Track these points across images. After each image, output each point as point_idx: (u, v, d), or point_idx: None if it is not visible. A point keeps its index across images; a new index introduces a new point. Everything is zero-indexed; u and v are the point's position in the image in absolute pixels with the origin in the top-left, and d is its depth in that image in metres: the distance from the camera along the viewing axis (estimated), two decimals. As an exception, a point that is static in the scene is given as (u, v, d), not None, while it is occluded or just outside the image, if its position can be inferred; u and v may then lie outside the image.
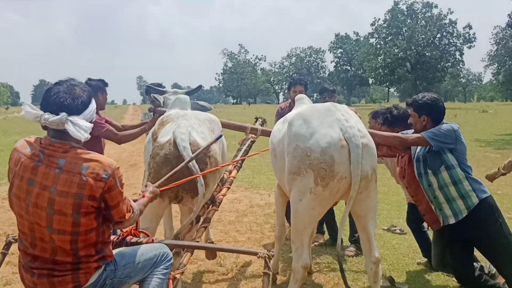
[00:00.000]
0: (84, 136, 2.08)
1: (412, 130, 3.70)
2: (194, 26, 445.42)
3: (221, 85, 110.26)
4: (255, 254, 2.58)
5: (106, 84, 4.46)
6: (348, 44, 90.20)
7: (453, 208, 3.43)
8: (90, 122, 2.18)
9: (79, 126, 2.07)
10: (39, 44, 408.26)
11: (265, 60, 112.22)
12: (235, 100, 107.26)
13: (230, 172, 3.91)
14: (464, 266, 3.52)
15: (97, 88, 4.31)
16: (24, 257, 2.19)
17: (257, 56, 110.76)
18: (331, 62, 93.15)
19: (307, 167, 2.98)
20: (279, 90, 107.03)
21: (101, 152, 4.32)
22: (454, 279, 3.97)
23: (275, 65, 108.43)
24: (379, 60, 68.05)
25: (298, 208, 3.13)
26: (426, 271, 4.40)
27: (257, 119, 5.22)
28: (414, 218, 4.49)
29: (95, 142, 4.16)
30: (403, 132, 3.79)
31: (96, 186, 2.05)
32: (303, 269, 3.22)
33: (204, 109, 4.44)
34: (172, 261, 2.59)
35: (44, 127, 2.13)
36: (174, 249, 2.85)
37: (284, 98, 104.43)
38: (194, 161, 3.24)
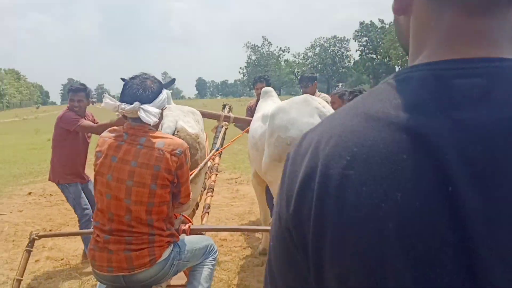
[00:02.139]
0: (152, 120, 2.32)
1: None
2: (217, 21, 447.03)
3: (245, 78, 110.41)
4: None
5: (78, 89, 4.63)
6: (373, 32, 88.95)
7: None
8: (163, 109, 2.47)
9: (149, 112, 2.32)
10: (65, 43, 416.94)
11: (288, 52, 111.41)
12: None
13: (214, 159, 4.22)
14: None
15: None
16: (101, 235, 2.33)
17: (280, 47, 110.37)
18: (356, 51, 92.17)
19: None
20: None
21: (80, 147, 4.54)
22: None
23: (299, 56, 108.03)
24: (406, 47, 66.90)
25: None
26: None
27: (224, 106, 5.54)
28: None
29: (73, 138, 4.43)
30: None
31: (171, 160, 2.31)
32: None
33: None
34: (217, 253, 2.79)
35: (124, 117, 2.44)
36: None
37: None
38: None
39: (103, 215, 2.35)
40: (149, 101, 2.36)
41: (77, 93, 4.56)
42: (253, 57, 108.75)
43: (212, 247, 2.73)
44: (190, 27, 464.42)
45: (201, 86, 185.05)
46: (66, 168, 4.43)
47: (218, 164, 4.26)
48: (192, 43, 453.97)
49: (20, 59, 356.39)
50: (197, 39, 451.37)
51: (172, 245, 2.43)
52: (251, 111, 5.80)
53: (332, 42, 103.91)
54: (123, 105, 2.32)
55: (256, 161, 4.09)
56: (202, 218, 3.47)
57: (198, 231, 2.82)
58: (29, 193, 8.11)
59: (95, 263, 2.34)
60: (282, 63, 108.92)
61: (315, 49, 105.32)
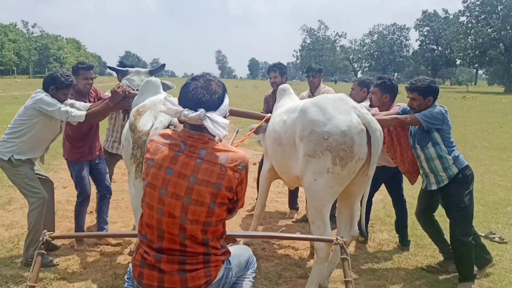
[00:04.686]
0: (222, 133, 2.12)
1: (402, 106, 4.20)
2: (276, 2, 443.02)
3: (298, 61, 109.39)
4: (330, 241, 2.56)
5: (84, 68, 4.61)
6: (436, 22, 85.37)
7: (437, 178, 3.92)
8: (224, 117, 2.19)
9: (218, 123, 2.10)
10: (125, 16, 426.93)
11: (345, 37, 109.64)
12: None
13: None
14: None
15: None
16: (150, 252, 2.12)
17: (337, 33, 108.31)
18: (416, 41, 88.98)
19: (324, 149, 3.24)
20: (358, 68, 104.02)
21: (88, 127, 4.50)
22: None
23: (355, 42, 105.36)
24: (469, 40, 63.94)
25: (314, 188, 3.36)
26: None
27: None
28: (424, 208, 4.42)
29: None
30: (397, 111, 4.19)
31: (233, 176, 2.09)
32: (327, 247, 3.44)
33: (166, 87, 4.27)
34: (256, 264, 2.58)
35: (180, 121, 2.19)
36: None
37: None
38: None
39: (152, 231, 2.12)
40: (215, 107, 2.12)
41: (89, 70, 4.64)
42: (308, 41, 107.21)
43: (252, 258, 2.53)
44: (248, 7, 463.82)
45: (254, 67, 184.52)
46: (74, 147, 4.54)
47: None
48: (249, 23, 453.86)
49: (82, 29, 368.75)
50: (254, 19, 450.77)
51: (225, 262, 2.23)
52: (267, 102, 5.75)
53: (392, 30, 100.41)
54: (186, 111, 2.09)
55: (276, 156, 3.96)
56: None
57: (231, 238, 2.55)
58: (76, 168, 8.06)
59: (142, 281, 2.11)
60: (338, 48, 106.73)
61: (373, 36, 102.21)
